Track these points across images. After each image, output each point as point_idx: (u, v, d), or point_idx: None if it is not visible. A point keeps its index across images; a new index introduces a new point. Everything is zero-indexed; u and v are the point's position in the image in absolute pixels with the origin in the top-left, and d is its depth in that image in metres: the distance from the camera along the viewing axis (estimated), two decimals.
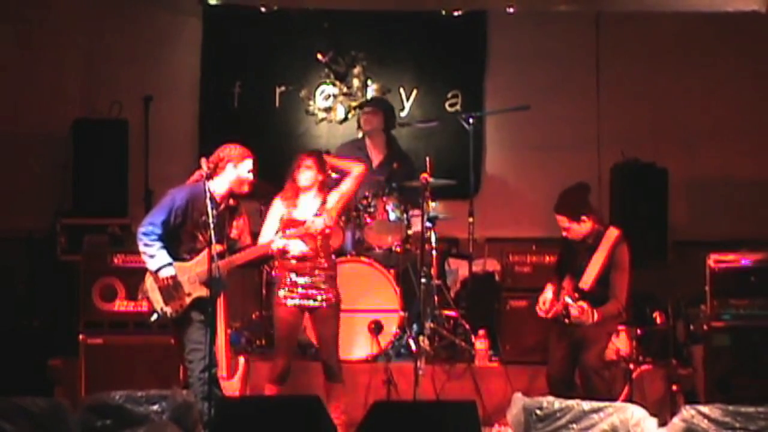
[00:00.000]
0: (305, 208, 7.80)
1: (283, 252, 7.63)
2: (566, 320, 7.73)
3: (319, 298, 7.75)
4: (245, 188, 7.48)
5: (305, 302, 7.75)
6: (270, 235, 7.73)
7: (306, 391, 8.09)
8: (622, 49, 10.43)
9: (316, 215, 7.68)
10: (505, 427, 7.47)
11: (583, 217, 7.77)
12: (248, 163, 7.44)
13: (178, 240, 7.33)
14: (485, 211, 9.80)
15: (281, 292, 7.76)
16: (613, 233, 7.84)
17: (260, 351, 8.81)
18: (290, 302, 7.73)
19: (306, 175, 7.78)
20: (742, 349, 8.38)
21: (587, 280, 7.75)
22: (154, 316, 7.38)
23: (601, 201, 9.76)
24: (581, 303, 7.59)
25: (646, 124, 10.33)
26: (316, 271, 7.75)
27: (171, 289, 7.28)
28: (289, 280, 7.74)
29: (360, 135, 9.96)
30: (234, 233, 7.51)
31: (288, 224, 7.71)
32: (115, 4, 10.23)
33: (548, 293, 7.89)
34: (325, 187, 7.86)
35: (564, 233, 7.84)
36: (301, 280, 7.74)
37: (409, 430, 6.26)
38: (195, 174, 7.39)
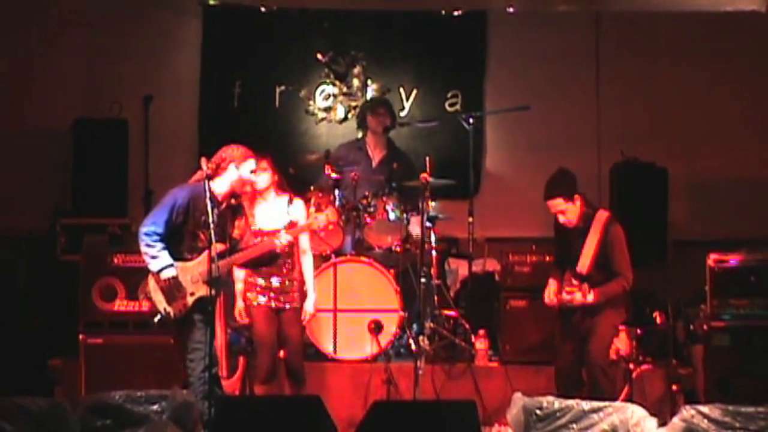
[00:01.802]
0: (268, 213, 7.85)
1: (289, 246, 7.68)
2: (566, 309, 7.77)
3: (289, 300, 7.86)
4: (247, 189, 7.53)
5: (275, 304, 7.83)
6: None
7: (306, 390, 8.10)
8: (622, 49, 10.43)
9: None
10: (505, 427, 7.47)
11: (576, 196, 7.79)
12: (250, 164, 7.46)
13: (180, 239, 7.33)
14: (485, 211, 9.80)
15: (259, 297, 7.83)
16: (603, 215, 7.86)
17: None
18: (263, 300, 7.81)
19: (263, 177, 7.80)
20: (742, 349, 8.38)
21: (584, 263, 7.76)
22: (158, 317, 7.38)
23: (601, 201, 9.73)
24: (574, 282, 7.65)
25: (646, 124, 10.33)
26: (284, 275, 7.83)
27: (173, 290, 7.28)
28: (262, 283, 7.81)
29: (360, 135, 9.97)
30: (236, 233, 7.53)
31: (256, 234, 7.72)
32: (115, 4, 10.23)
33: (552, 286, 7.91)
34: (282, 186, 7.93)
35: (561, 218, 7.82)
36: (273, 283, 7.83)
37: (409, 430, 6.26)
38: (197, 174, 7.39)
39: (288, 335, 7.90)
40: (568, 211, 7.78)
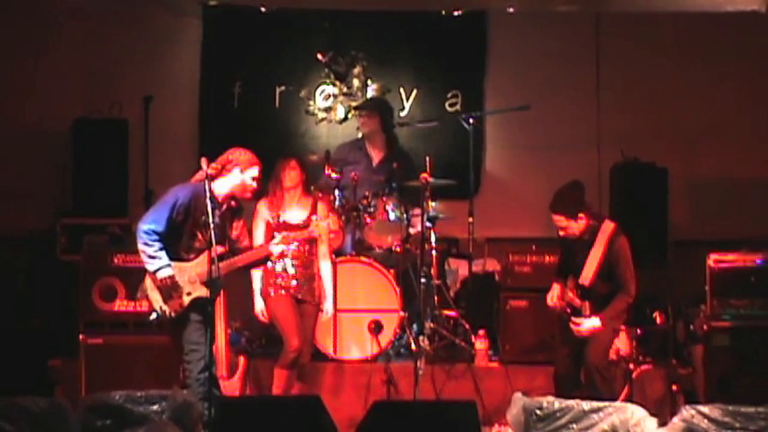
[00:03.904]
0: (292, 212, 7.98)
1: (282, 256, 7.80)
2: (570, 318, 7.77)
3: (309, 294, 7.98)
4: (247, 195, 7.52)
5: (297, 295, 7.95)
6: (259, 240, 7.87)
7: (307, 390, 8.10)
8: (622, 49, 10.43)
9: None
10: (505, 427, 7.47)
11: (580, 215, 7.78)
12: (254, 171, 7.44)
13: (178, 238, 7.32)
14: (485, 211, 9.80)
15: (280, 290, 7.93)
16: (608, 227, 7.85)
17: (260, 351, 8.81)
18: (282, 292, 7.92)
19: (291, 175, 7.98)
20: (742, 349, 8.38)
21: (586, 275, 7.76)
22: (153, 315, 7.37)
23: (601, 201, 9.76)
24: (575, 299, 7.66)
25: (646, 124, 10.33)
26: (305, 274, 7.97)
27: (170, 289, 7.27)
28: (280, 279, 7.91)
29: (360, 135, 9.97)
30: (234, 234, 7.53)
31: (281, 227, 7.79)
32: (115, 4, 10.22)
33: (555, 290, 7.91)
34: (308, 188, 8.07)
35: (561, 232, 7.84)
36: (292, 281, 7.95)
37: (409, 430, 6.26)
38: (198, 173, 7.38)
39: (303, 327, 7.99)
40: (569, 227, 7.79)
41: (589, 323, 7.69)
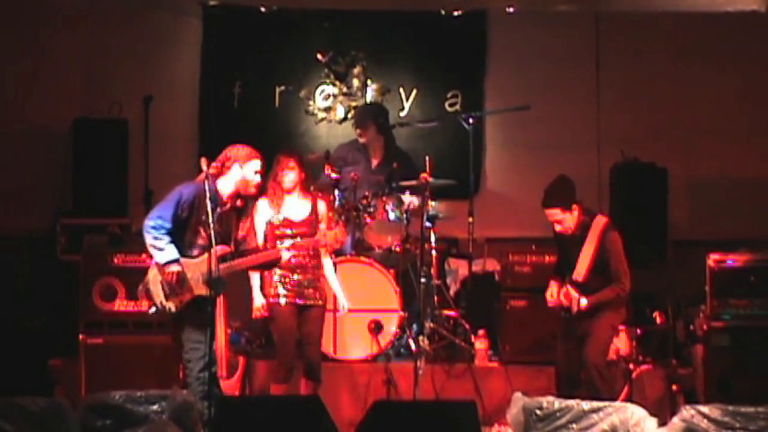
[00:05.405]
0: (293, 209, 7.90)
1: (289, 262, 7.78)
2: (565, 314, 7.77)
3: (313, 297, 7.90)
4: (251, 189, 7.50)
5: (300, 301, 7.86)
6: (259, 238, 7.83)
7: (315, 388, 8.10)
8: (622, 49, 10.43)
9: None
10: (505, 427, 7.48)
11: (573, 206, 7.80)
12: (255, 164, 7.43)
13: (182, 235, 7.32)
14: (485, 211, 9.80)
15: (282, 294, 7.85)
16: (600, 221, 7.86)
17: (260, 351, 8.80)
18: (286, 298, 7.82)
19: (289, 176, 7.88)
20: (742, 349, 8.38)
21: (580, 271, 7.77)
22: (153, 309, 7.37)
23: (601, 201, 9.76)
24: (569, 290, 7.65)
25: (646, 124, 10.33)
26: (310, 273, 7.89)
27: (174, 285, 7.27)
28: (285, 279, 7.84)
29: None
30: (241, 234, 7.52)
31: (283, 224, 7.78)
32: (115, 4, 10.23)
33: (553, 287, 7.92)
34: (307, 186, 8.00)
35: (558, 227, 7.84)
36: (296, 278, 7.86)
37: (409, 430, 6.26)
38: (203, 173, 7.39)
39: (309, 332, 7.92)
40: (565, 220, 7.80)
41: (577, 298, 7.68)
